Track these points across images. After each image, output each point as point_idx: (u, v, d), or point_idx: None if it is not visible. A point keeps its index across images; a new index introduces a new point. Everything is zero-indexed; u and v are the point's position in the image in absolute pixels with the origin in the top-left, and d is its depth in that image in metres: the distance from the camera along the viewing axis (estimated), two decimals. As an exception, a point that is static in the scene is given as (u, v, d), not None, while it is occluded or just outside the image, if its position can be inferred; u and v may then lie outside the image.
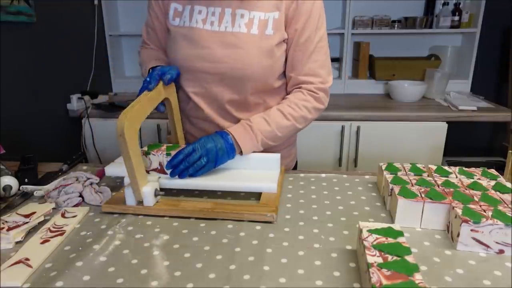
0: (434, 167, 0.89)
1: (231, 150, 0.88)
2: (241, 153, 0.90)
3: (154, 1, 1.01)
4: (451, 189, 0.77)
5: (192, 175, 0.86)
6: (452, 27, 2.23)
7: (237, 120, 0.99)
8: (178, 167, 0.84)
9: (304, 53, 0.94)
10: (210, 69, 0.93)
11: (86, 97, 2.13)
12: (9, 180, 0.90)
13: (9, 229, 0.71)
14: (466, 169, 0.88)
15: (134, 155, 0.76)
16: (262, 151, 0.94)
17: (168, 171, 0.86)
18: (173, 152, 0.86)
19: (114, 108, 2.07)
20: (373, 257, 0.55)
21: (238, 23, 0.91)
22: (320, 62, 0.96)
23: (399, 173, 0.86)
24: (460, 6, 2.22)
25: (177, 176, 0.85)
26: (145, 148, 0.89)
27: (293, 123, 0.95)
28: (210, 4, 0.93)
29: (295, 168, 1.20)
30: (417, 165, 0.90)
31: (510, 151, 0.86)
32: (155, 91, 0.87)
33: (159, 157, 0.86)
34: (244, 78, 0.92)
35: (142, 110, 0.81)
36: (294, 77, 0.97)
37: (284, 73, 1.00)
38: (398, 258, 0.55)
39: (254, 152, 0.92)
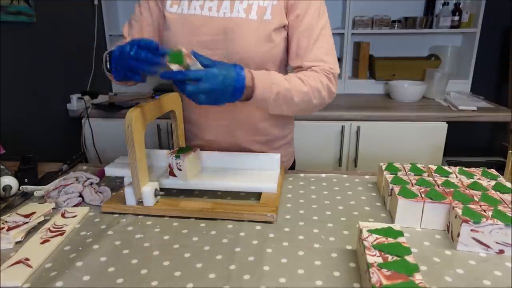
0: (434, 167, 0.89)
1: (239, 85, 0.78)
2: (251, 96, 0.82)
3: None
4: (451, 189, 0.77)
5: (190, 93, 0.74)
6: (452, 27, 2.23)
7: (234, 115, 0.98)
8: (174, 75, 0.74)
9: (309, 39, 0.92)
10: (208, 56, 0.92)
11: (86, 97, 2.13)
12: (9, 180, 0.90)
13: (9, 229, 0.71)
14: (466, 169, 0.88)
15: (139, 147, 0.76)
16: (258, 151, 0.92)
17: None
18: (182, 155, 0.84)
19: (114, 108, 2.07)
20: (373, 257, 0.55)
21: (237, 9, 0.90)
22: (326, 49, 0.94)
23: (399, 173, 0.86)
24: (460, 6, 2.22)
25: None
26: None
27: (309, 91, 0.89)
28: None
29: (293, 166, 1.20)
30: (417, 165, 0.90)
31: (510, 151, 0.86)
32: (164, 99, 0.87)
33: (168, 159, 0.86)
34: (242, 64, 0.91)
35: (149, 111, 0.81)
36: (301, 64, 0.94)
37: (283, 63, 0.99)
38: (398, 258, 0.55)
39: (263, 103, 0.85)
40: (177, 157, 0.84)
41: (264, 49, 0.92)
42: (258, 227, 0.75)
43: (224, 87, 0.76)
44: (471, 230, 0.64)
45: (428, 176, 0.85)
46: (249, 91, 0.83)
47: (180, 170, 0.85)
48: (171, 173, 0.86)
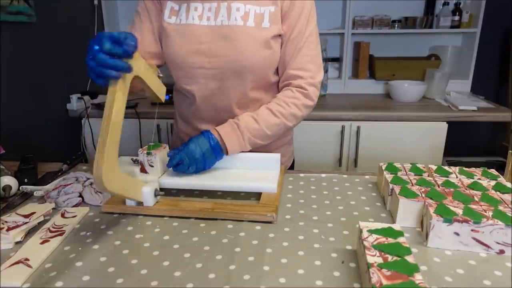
0: (434, 167, 0.89)
1: (217, 151, 0.89)
2: (227, 152, 0.90)
3: (148, 0, 0.97)
4: (451, 189, 0.77)
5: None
6: (452, 27, 2.23)
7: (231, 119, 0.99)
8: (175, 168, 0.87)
9: (295, 47, 0.95)
10: (208, 64, 0.93)
11: (86, 97, 2.13)
12: (9, 180, 0.90)
13: (9, 229, 0.71)
14: (466, 169, 0.88)
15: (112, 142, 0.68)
16: (258, 151, 0.94)
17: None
18: (154, 151, 0.87)
19: (114, 108, 2.07)
20: (373, 257, 0.55)
21: (234, 16, 0.91)
22: (309, 57, 0.96)
23: (399, 173, 0.86)
24: (460, 6, 2.22)
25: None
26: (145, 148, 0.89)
27: (282, 120, 0.95)
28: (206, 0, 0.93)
29: (292, 166, 1.20)
30: (417, 165, 0.90)
31: (510, 151, 0.86)
32: (121, 81, 0.73)
33: (139, 156, 0.88)
34: (243, 71, 0.92)
35: (120, 109, 0.71)
36: (285, 71, 0.98)
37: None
38: (398, 258, 0.55)
39: (242, 151, 0.92)
40: (149, 153, 0.87)
41: (264, 56, 0.92)
42: (258, 227, 0.75)
43: (203, 153, 0.86)
44: (472, 230, 0.64)
45: (428, 176, 0.85)
46: (223, 148, 0.90)
47: (152, 166, 0.87)
48: (142, 170, 0.88)
